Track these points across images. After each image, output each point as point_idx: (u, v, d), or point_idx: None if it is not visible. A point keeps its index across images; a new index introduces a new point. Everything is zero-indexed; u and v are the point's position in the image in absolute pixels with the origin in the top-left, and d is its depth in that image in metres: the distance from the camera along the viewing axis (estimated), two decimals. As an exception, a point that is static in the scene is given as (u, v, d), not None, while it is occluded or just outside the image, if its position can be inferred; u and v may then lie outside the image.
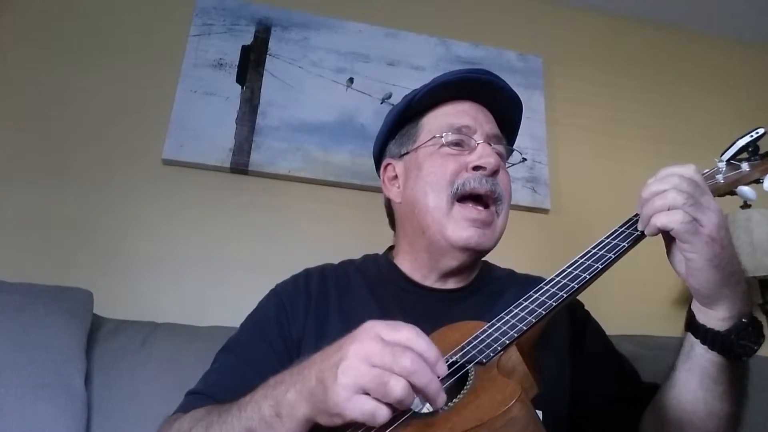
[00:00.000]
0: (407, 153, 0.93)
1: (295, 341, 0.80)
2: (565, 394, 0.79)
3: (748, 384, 0.67)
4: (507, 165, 0.95)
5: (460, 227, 0.83)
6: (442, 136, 0.88)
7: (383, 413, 0.49)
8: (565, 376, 0.80)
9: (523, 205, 1.67)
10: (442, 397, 0.50)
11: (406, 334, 0.52)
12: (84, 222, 1.38)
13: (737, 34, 2.15)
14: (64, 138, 1.44)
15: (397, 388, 0.48)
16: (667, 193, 0.60)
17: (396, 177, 0.95)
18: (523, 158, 0.97)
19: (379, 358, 0.49)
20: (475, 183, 0.84)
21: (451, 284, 0.89)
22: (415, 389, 0.49)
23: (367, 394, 0.49)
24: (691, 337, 0.66)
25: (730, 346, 0.61)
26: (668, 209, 0.60)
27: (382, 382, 0.48)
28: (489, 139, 0.89)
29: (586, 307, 0.92)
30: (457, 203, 0.84)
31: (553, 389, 0.75)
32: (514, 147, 0.98)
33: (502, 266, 0.98)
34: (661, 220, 0.60)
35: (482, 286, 0.90)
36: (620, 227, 0.67)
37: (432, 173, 0.86)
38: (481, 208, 0.85)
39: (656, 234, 0.63)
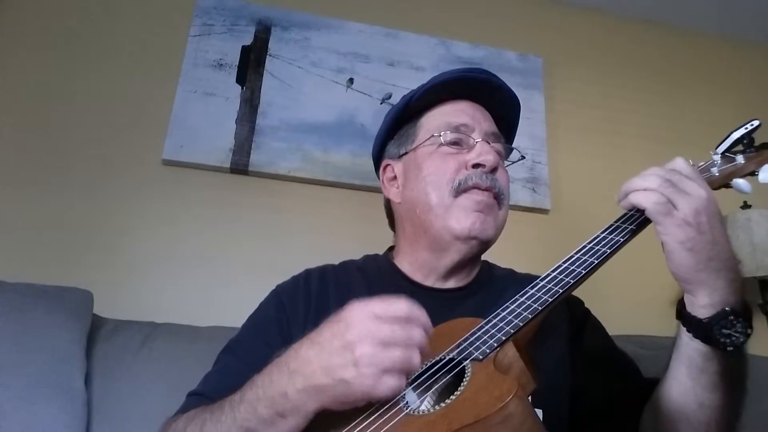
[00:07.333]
0: (406, 153, 0.93)
1: (296, 341, 0.80)
2: (565, 392, 0.79)
3: (746, 379, 0.66)
4: (506, 164, 0.95)
5: (463, 215, 0.83)
6: (440, 135, 0.88)
7: (404, 382, 0.54)
8: (564, 374, 0.80)
9: (523, 205, 1.66)
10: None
11: (403, 306, 0.56)
12: (84, 222, 1.38)
13: (737, 34, 2.15)
14: (64, 138, 1.44)
15: (417, 360, 0.54)
16: (648, 176, 0.63)
17: (395, 177, 0.95)
18: (522, 156, 0.97)
19: (392, 338, 0.53)
20: (477, 179, 0.84)
21: (452, 284, 0.89)
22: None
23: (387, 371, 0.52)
24: (680, 325, 0.66)
25: (711, 334, 0.60)
26: (645, 189, 0.62)
27: (405, 360, 0.53)
28: (487, 137, 0.89)
29: (585, 305, 0.91)
30: (461, 194, 0.84)
31: (552, 387, 0.75)
32: (513, 146, 0.98)
33: (503, 266, 0.98)
34: (636, 198, 0.62)
35: (483, 285, 0.90)
36: (615, 222, 0.67)
37: (432, 173, 0.86)
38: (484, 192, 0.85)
39: (630, 208, 0.65)
